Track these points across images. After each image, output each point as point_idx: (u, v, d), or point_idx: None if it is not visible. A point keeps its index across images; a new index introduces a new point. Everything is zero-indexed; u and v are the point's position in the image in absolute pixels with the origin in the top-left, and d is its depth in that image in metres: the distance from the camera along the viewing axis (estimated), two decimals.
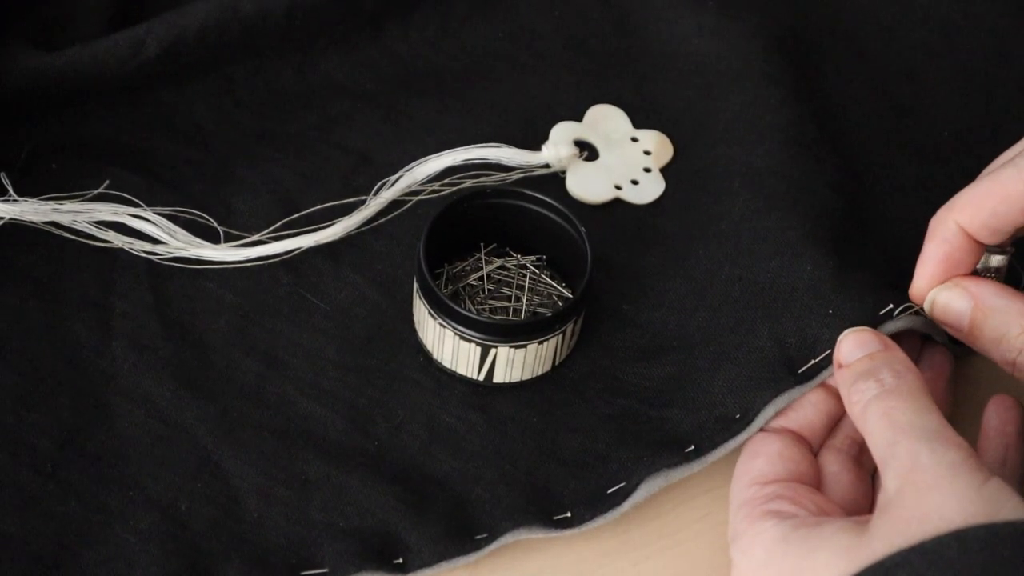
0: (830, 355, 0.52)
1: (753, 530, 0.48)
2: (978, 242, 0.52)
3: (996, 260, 0.53)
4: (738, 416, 0.53)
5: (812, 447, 0.53)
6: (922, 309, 0.54)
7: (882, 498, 0.45)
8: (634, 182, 0.63)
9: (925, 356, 0.56)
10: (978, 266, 0.53)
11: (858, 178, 0.64)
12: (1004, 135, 0.67)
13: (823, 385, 0.53)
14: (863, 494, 0.52)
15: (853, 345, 0.51)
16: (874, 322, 0.53)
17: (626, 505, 0.52)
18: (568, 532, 0.52)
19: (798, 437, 0.52)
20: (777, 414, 0.53)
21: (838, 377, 0.51)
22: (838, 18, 0.72)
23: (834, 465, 0.52)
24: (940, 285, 0.53)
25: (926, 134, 0.67)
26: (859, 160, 0.65)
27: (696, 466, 0.52)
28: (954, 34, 0.72)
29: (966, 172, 0.64)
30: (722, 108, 0.65)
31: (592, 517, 0.52)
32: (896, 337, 0.52)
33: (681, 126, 0.66)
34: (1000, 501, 0.43)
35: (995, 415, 0.53)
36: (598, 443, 0.54)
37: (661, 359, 0.57)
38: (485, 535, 0.51)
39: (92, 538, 0.51)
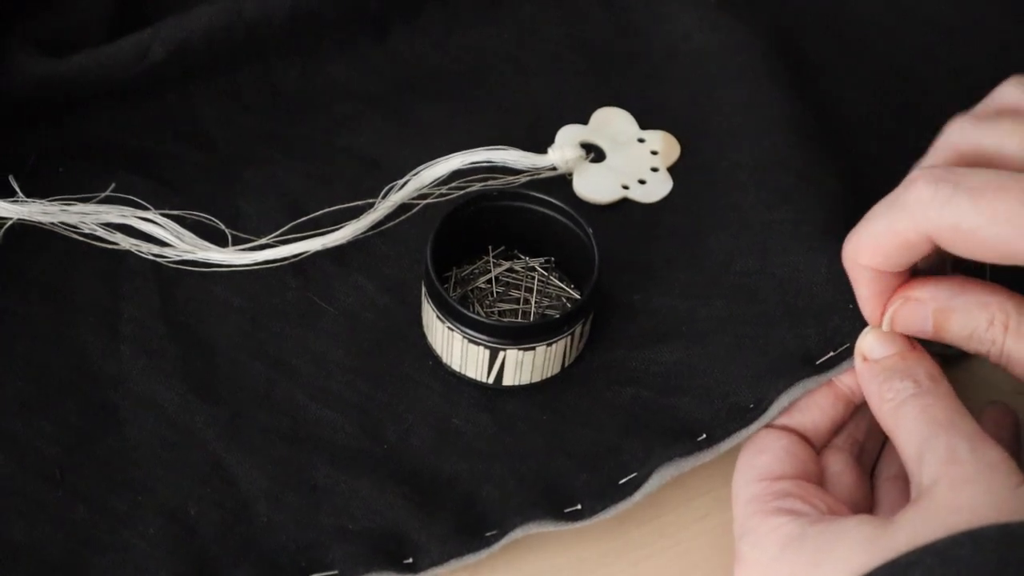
0: (850, 348, 0.52)
1: (767, 525, 0.47)
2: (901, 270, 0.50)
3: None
4: (752, 405, 0.52)
5: (815, 448, 0.52)
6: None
7: (915, 492, 0.45)
8: (641, 182, 0.63)
9: None
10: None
11: (858, 179, 0.64)
12: None
13: (833, 388, 0.53)
14: (864, 495, 0.51)
15: (880, 340, 0.50)
16: None
17: (638, 495, 0.51)
18: (579, 524, 0.51)
19: (802, 436, 0.52)
20: (783, 413, 0.52)
21: (864, 371, 0.50)
22: (836, 20, 0.71)
23: (836, 465, 0.52)
24: (890, 303, 0.50)
25: (925, 136, 0.67)
26: (857, 162, 0.65)
27: (708, 455, 0.52)
28: (953, 36, 0.71)
29: None
30: (726, 103, 0.65)
31: (604, 508, 0.51)
32: None
33: (687, 124, 0.66)
34: None
35: (991, 424, 0.53)
36: (608, 434, 0.54)
37: (669, 344, 0.56)
38: (495, 531, 0.51)
39: (101, 544, 0.50)
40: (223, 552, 0.51)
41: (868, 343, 0.50)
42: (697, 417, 0.53)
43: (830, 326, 0.53)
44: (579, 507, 0.52)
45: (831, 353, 0.53)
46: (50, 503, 0.51)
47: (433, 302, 0.54)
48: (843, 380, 0.53)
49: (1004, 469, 0.43)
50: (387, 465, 0.53)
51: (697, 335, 0.56)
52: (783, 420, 0.52)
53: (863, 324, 0.52)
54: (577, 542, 0.52)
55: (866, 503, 0.51)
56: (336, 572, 0.50)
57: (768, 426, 0.52)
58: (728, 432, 0.52)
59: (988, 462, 0.43)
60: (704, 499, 0.54)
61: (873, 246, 0.49)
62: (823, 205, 0.59)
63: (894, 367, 0.49)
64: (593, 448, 0.54)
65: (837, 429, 0.53)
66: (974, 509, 0.42)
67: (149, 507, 0.51)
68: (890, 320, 0.50)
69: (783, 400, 0.52)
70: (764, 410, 0.52)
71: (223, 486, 0.52)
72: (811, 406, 0.52)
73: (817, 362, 0.53)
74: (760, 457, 0.51)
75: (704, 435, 0.52)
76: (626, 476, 0.52)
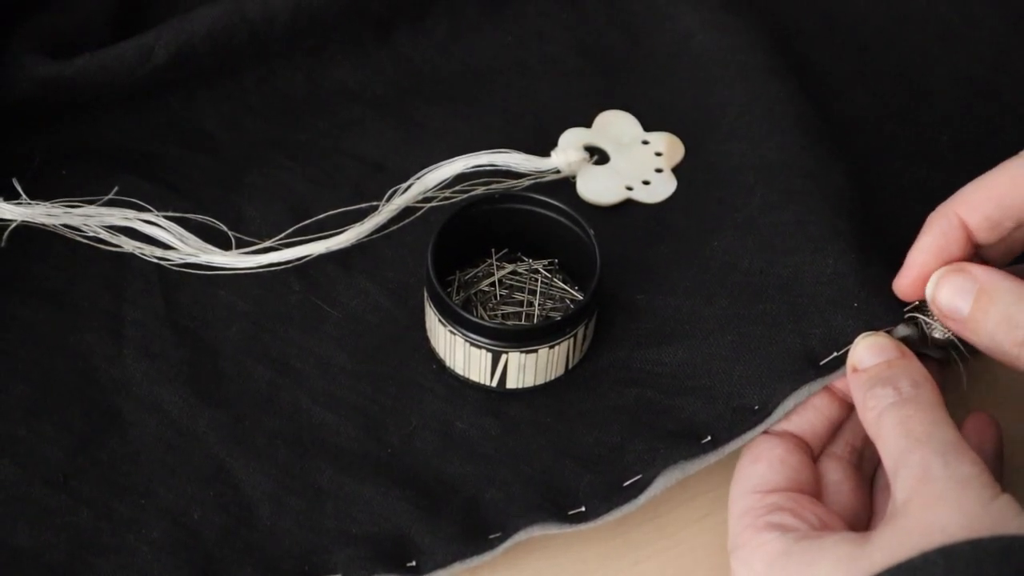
0: None
1: (755, 541, 0.47)
2: (972, 243, 0.51)
3: (939, 333, 0.52)
4: (757, 407, 0.52)
5: (812, 452, 0.52)
6: (920, 302, 0.52)
7: (890, 508, 0.45)
8: (645, 183, 0.63)
9: None
10: (922, 334, 0.53)
11: (858, 179, 0.64)
12: (1003, 139, 0.67)
13: (828, 389, 0.53)
14: (862, 503, 0.51)
15: (870, 350, 0.50)
16: (901, 316, 0.52)
17: (642, 498, 0.51)
18: (583, 527, 0.51)
19: (799, 442, 0.52)
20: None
21: (852, 381, 0.50)
22: (836, 22, 0.71)
23: (835, 473, 0.52)
24: (945, 267, 0.51)
25: (925, 138, 0.67)
26: (858, 164, 0.64)
27: (713, 457, 0.52)
28: (952, 38, 0.71)
29: (965, 176, 0.63)
30: (729, 102, 0.65)
31: (608, 510, 0.51)
32: None
33: (690, 124, 0.65)
34: (1007, 519, 0.42)
35: (973, 434, 0.52)
36: (613, 435, 0.54)
37: (674, 344, 0.56)
38: (499, 534, 0.51)
39: (104, 547, 0.51)
40: (226, 556, 0.51)
41: (859, 353, 0.51)
42: (701, 419, 0.53)
43: (834, 325, 0.53)
44: (583, 509, 0.52)
45: (835, 354, 0.52)
46: (54, 507, 0.51)
47: (435, 306, 0.54)
48: (838, 381, 0.53)
49: (977, 484, 0.43)
50: (391, 469, 0.53)
51: (701, 335, 0.56)
52: (780, 425, 0.52)
53: (866, 323, 0.52)
54: (578, 542, 0.52)
55: (865, 512, 0.51)
56: None
57: (764, 432, 0.52)
58: (733, 435, 0.52)
59: (960, 478, 0.43)
60: (705, 498, 0.54)
61: (981, 194, 0.50)
62: (829, 205, 0.58)
63: (879, 375, 0.49)
64: (597, 449, 0.54)
65: (835, 430, 0.53)
66: (945, 528, 0.42)
67: (152, 511, 0.52)
68: (935, 283, 0.51)
69: (788, 403, 0.52)
70: (769, 413, 0.52)
71: (226, 490, 0.52)
72: (807, 407, 0.53)
73: (821, 363, 0.52)
74: (755, 467, 0.51)
75: (709, 437, 0.52)
76: (630, 478, 0.52)
